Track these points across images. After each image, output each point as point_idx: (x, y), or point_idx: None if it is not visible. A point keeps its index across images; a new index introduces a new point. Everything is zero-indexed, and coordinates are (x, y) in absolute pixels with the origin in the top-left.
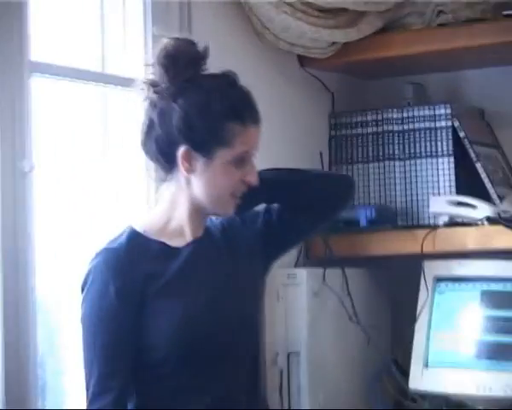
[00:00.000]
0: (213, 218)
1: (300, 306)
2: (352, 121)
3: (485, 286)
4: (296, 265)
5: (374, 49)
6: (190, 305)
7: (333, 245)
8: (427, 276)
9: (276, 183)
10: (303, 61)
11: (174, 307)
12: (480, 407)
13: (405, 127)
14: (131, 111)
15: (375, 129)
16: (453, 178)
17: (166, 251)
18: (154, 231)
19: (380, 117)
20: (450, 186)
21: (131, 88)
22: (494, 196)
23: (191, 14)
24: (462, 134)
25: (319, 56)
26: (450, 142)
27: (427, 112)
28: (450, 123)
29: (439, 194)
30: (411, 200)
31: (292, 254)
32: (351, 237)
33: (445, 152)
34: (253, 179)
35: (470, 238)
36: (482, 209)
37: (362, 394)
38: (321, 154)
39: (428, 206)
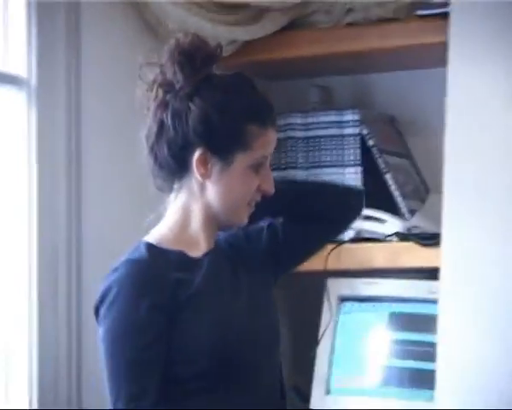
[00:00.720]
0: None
1: None
2: None
3: (394, 307)
4: None
5: (277, 48)
6: (227, 313)
7: None
8: (331, 295)
9: (285, 193)
10: None
11: (211, 316)
12: None
13: (310, 134)
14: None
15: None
16: None
17: (187, 260)
18: (169, 243)
19: (282, 122)
20: None
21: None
22: (404, 210)
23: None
24: (370, 142)
25: None
26: (358, 150)
27: (333, 118)
28: (358, 130)
29: None
30: None
31: None
32: None
33: (353, 161)
34: (270, 188)
35: (378, 255)
36: (391, 224)
37: None
38: None
39: None
